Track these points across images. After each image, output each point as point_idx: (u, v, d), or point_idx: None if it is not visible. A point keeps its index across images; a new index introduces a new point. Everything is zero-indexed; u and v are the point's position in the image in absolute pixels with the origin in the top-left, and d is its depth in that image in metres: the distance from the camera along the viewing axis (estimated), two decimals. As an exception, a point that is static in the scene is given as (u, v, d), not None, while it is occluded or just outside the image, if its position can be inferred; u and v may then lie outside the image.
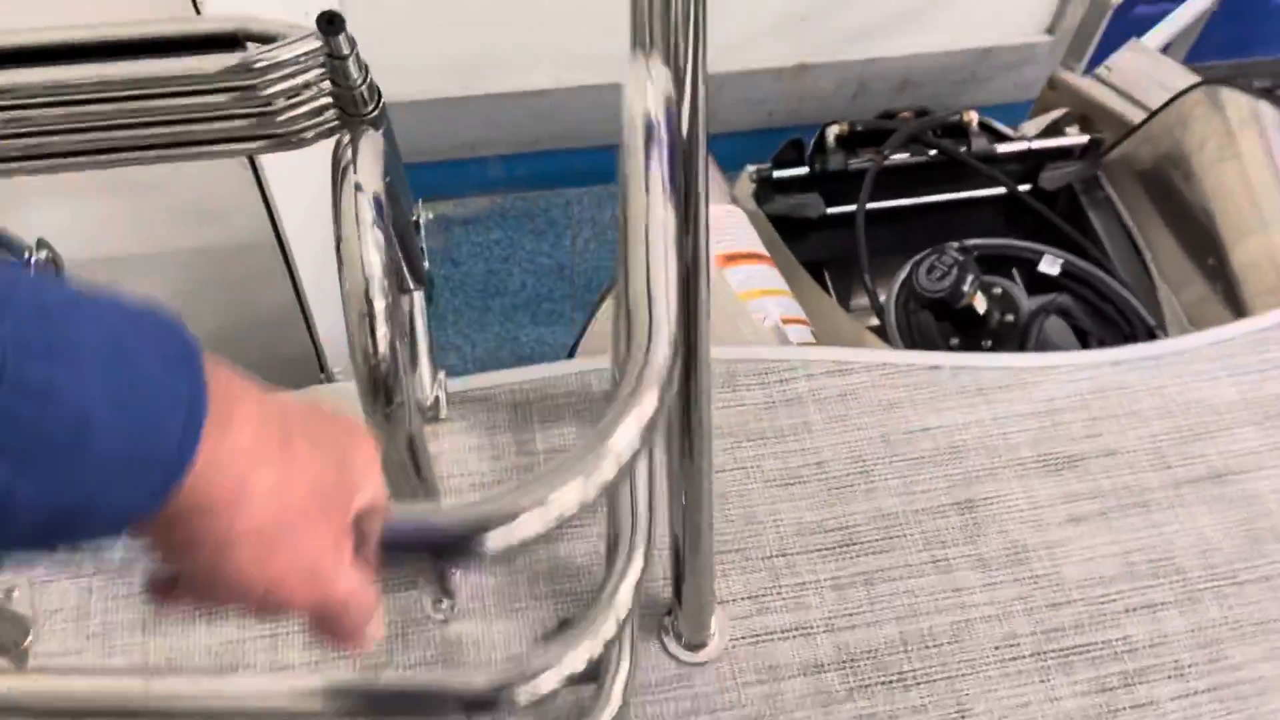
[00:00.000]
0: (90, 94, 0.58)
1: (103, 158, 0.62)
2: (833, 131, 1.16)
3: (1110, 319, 1.01)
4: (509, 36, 1.53)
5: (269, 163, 1.04)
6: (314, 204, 1.28)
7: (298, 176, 1.18)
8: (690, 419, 0.60)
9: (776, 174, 1.17)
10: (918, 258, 0.96)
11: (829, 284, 1.17)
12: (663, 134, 0.50)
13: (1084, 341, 1.00)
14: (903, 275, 0.99)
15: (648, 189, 0.59)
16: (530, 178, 1.77)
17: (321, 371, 1.30)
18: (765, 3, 1.61)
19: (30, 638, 0.69)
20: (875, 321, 1.07)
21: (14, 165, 0.61)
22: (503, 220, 1.77)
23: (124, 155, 0.62)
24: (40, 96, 0.58)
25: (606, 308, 0.99)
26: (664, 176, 0.54)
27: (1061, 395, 0.84)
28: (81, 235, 1.04)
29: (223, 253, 1.13)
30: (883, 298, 1.04)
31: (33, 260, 0.78)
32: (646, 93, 0.51)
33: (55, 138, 0.60)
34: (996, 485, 0.80)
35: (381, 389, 0.54)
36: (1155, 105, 1.20)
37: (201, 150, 0.63)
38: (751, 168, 1.18)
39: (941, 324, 0.98)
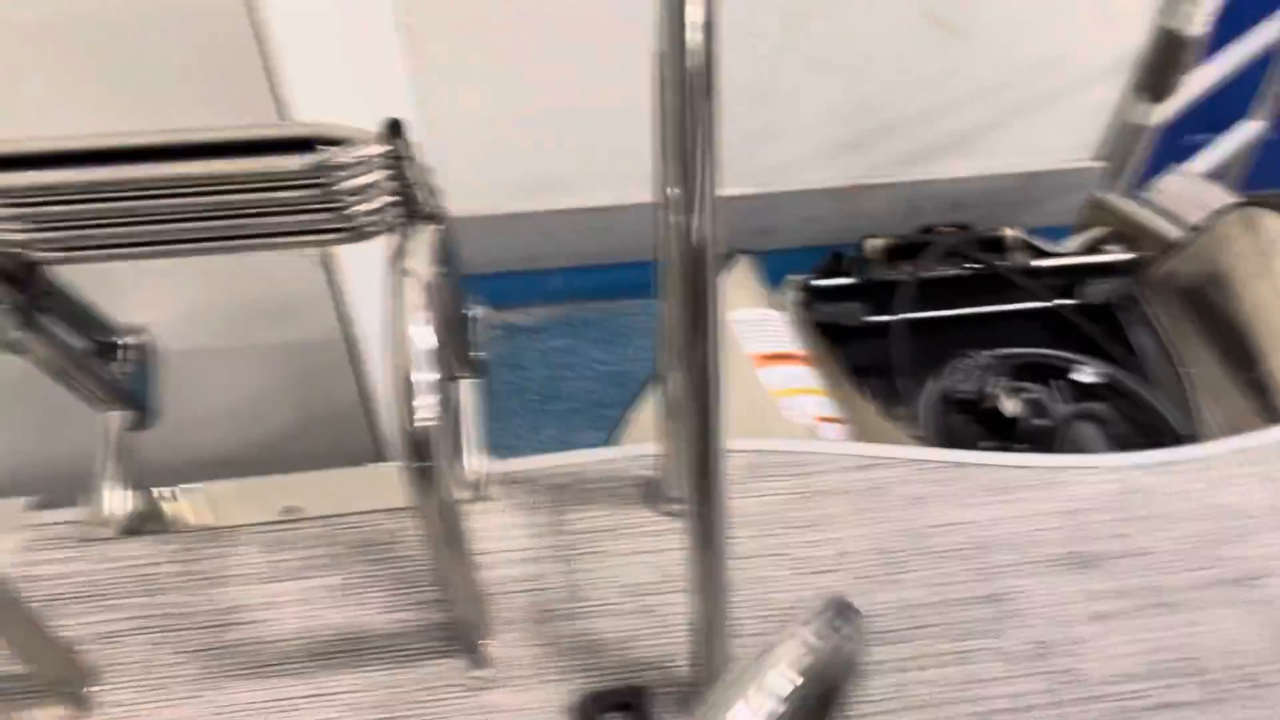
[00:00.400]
0: (186, 188, 0.65)
1: (192, 246, 0.69)
2: (874, 243, 1.21)
3: (1144, 427, 1.03)
4: (571, 158, 1.63)
5: (343, 263, 1.13)
6: (381, 303, 1.36)
7: (369, 277, 1.27)
8: (707, 509, 0.63)
9: (819, 283, 1.22)
10: (952, 363, 0.99)
11: (869, 391, 1.21)
12: (673, 246, 0.55)
13: (1116, 448, 1.02)
14: (937, 379, 1.02)
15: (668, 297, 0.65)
16: (592, 289, 1.85)
17: (382, 465, 1.36)
18: (821, 127, 1.70)
19: (93, 686, 0.74)
20: (914, 430, 1.10)
21: (114, 252, 0.69)
22: (565, 329, 1.85)
23: (213, 244, 0.69)
24: (141, 190, 0.66)
25: (646, 401, 1.03)
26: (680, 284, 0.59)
27: (1088, 495, 0.86)
28: (165, 328, 1.13)
29: (295, 348, 1.21)
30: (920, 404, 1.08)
31: (128, 344, 0.86)
32: (666, 209, 0.57)
33: (153, 227, 0.68)
34: (1021, 581, 0.82)
35: (418, 449, 0.60)
36: (1195, 226, 1.24)
37: (281, 241, 0.70)
38: (795, 277, 1.24)
39: (975, 427, 1.01)
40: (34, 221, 0.66)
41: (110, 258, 0.70)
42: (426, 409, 0.60)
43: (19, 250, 0.68)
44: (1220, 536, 0.83)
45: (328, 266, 1.13)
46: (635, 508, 0.86)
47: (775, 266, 1.34)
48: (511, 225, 1.73)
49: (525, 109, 1.58)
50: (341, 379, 1.25)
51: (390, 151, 0.65)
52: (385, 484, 0.88)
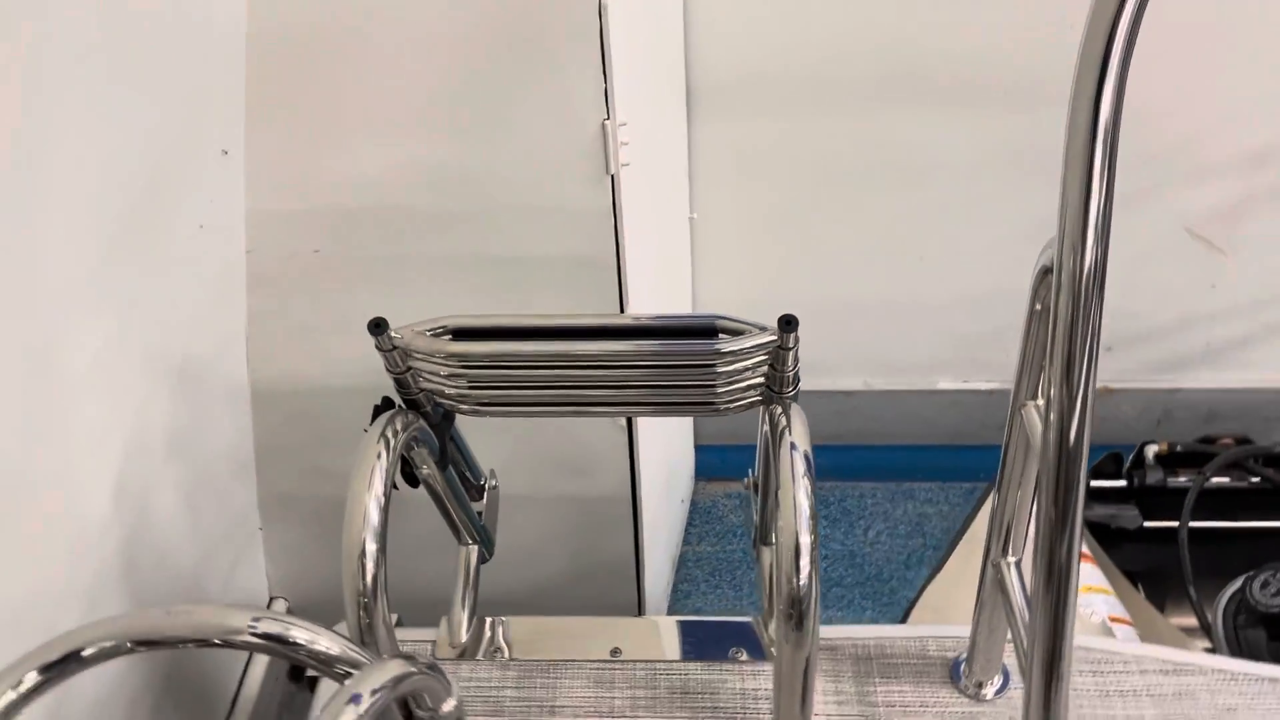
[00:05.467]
0: (594, 362, 0.77)
1: (579, 410, 0.81)
2: (1152, 449, 1.23)
3: None
4: (826, 344, 1.72)
5: (640, 428, 1.23)
6: (660, 468, 1.47)
7: (655, 444, 1.37)
8: (1052, 697, 0.67)
9: (1094, 483, 1.24)
10: (1253, 573, 0.99)
11: (1145, 594, 1.20)
12: (1050, 444, 0.61)
13: None
14: (1234, 588, 1.02)
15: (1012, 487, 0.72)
16: (830, 469, 1.91)
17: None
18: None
19: (453, 701, 0.77)
20: (1200, 638, 1.09)
21: (519, 410, 0.81)
22: (802, 505, 1.90)
23: (599, 409, 0.80)
24: (559, 361, 0.77)
25: (934, 586, 1.08)
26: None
27: None
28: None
29: (586, 502, 1.31)
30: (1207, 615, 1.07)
31: (488, 486, 0.97)
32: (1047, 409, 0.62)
33: (557, 391, 0.79)
34: (1345, 807, 0.80)
35: (797, 605, 0.67)
36: None
37: (658, 409, 0.80)
38: (1069, 475, 1.26)
39: (1274, 643, 1.00)
40: (469, 381, 0.78)
41: (515, 414, 0.82)
42: (808, 568, 0.67)
43: (450, 403, 0.81)
44: None
45: (630, 430, 1.23)
46: (937, 686, 0.89)
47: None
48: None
49: (786, 299, 1.69)
50: (620, 533, 1.34)
51: (778, 341, 0.75)
52: (693, 635, 0.95)
